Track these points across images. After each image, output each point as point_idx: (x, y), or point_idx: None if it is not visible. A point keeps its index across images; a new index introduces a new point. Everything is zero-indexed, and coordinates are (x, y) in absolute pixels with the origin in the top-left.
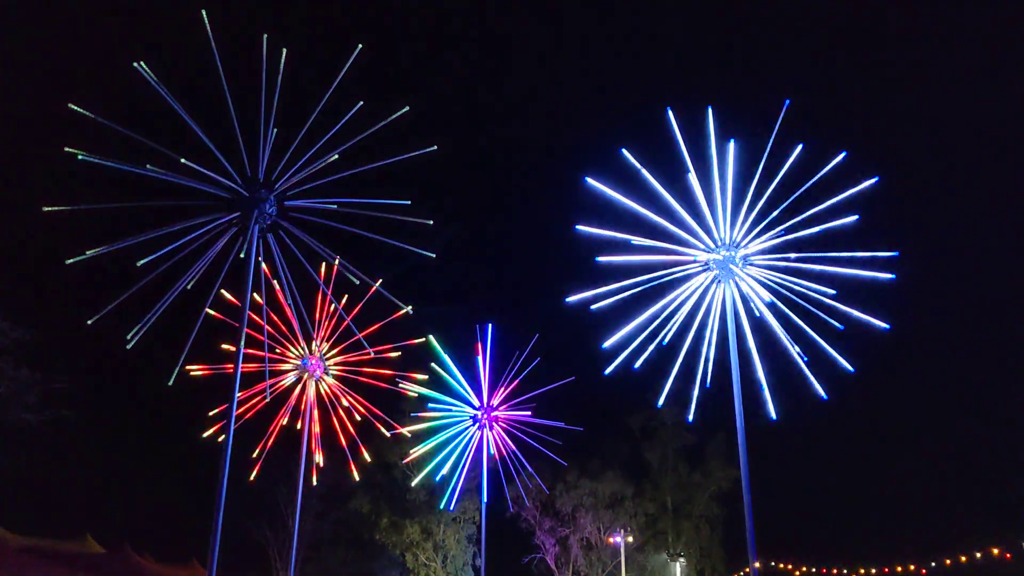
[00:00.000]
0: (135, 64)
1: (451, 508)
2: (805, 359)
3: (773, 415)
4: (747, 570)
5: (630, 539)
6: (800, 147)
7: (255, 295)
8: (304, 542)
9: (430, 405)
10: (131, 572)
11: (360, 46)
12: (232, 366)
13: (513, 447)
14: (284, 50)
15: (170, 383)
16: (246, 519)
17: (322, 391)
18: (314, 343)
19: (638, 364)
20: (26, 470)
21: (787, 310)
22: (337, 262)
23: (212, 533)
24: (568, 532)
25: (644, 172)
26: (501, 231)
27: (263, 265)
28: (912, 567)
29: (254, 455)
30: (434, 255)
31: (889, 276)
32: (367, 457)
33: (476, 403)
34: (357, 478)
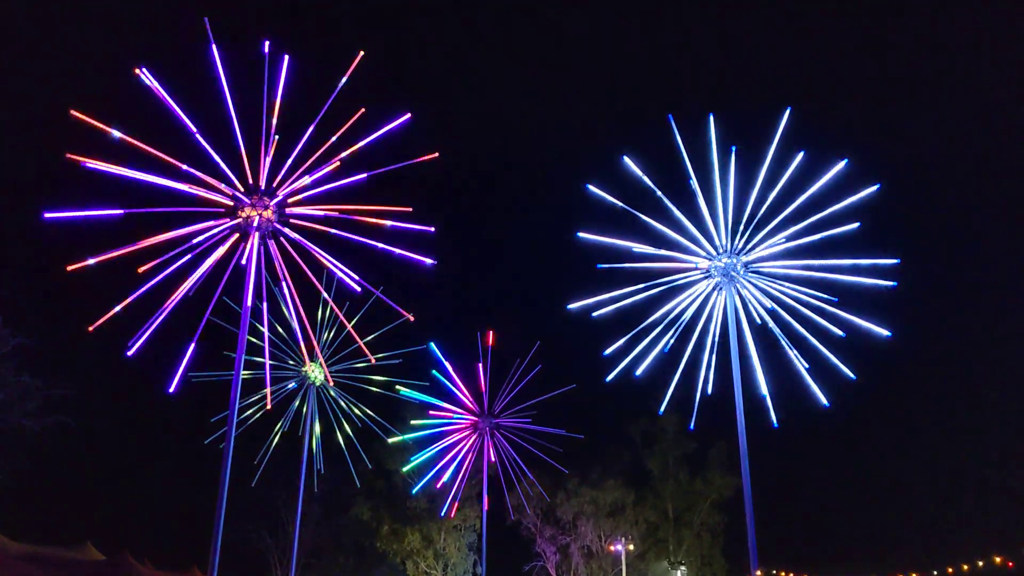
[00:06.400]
0: (137, 71)
1: (452, 516)
2: (806, 366)
3: (775, 422)
4: None
5: (631, 547)
6: (801, 154)
7: (256, 302)
8: (304, 549)
9: (431, 412)
10: None
11: (361, 52)
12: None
13: (514, 454)
14: (286, 57)
15: (171, 390)
16: (247, 526)
17: (322, 397)
18: (315, 350)
19: (639, 371)
20: (27, 477)
21: (788, 317)
22: (338, 269)
23: (213, 540)
24: (569, 540)
25: (646, 179)
26: (502, 238)
27: (264, 272)
28: (914, 575)
29: (255, 462)
30: (435, 262)
31: (890, 283)
32: (368, 464)
33: (477, 410)
34: (358, 485)
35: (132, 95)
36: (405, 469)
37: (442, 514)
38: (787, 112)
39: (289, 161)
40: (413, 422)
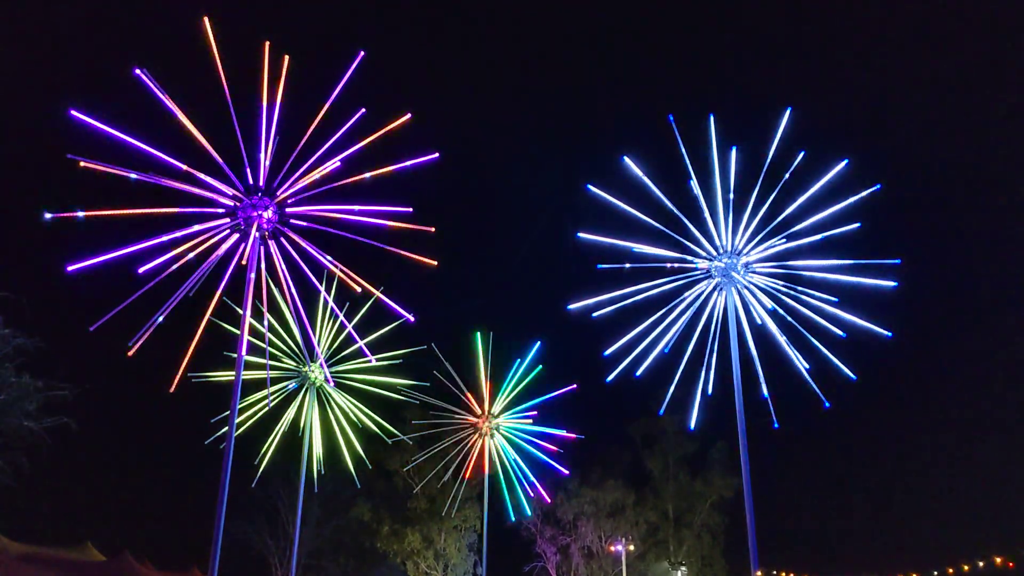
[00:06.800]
0: (136, 71)
1: (452, 516)
2: (807, 367)
3: (775, 423)
4: None
5: (631, 548)
6: (802, 154)
7: (256, 302)
8: (305, 550)
9: (431, 412)
10: None
11: (362, 52)
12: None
13: (514, 455)
14: (286, 57)
15: (172, 390)
16: (247, 526)
17: (323, 398)
18: (315, 350)
19: (639, 372)
20: (27, 477)
21: (789, 318)
22: (338, 270)
23: (213, 540)
24: (569, 540)
25: (646, 179)
26: (503, 238)
27: (264, 273)
28: (914, 575)
29: (255, 462)
30: (436, 263)
31: (891, 284)
32: (368, 464)
33: (477, 411)
34: (358, 485)
35: (132, 95)
36: (405, 469)
37: (443, 514)
38: (787, 112)
39: (289, 161)
40: (414, 422)
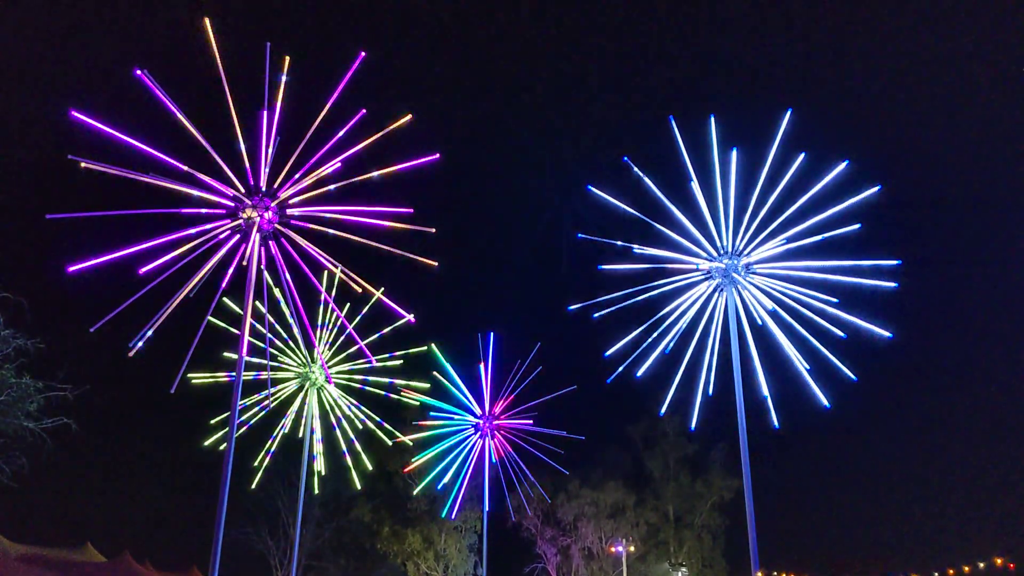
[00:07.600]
0: (137, 72)
1: (452, 517)
2: (807, 367)
3: (776, 424)
4: None
5: (631, 548)
6: (802, 156)
7: (257, 303)
8: (305, 551)
9: (432, 414)
10: None
11: (363, 53)
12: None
13: (515, 456)
14: (287, 58)
15: (172, 391)
16: (247, 527)
17: (323, 399)
18: (315, 351)
19: (640, 373)
20: (27, 478)
21: (789, 318)
22: (339, 271)
23: (213, 541)
24: (570, 541)
25: (647, 180)
26: (503, 239)
27: (265, 273)
28: (914, 575)
29: (255, 463)
30: (436, 264)
31: (891, 284)
32: (369, 466)
33: (478, 412)
34: (359, 487)
35: (133, 96)
36: (406, 471)
37: (444, 515)
38: (788, 113)
39: (290, 162)
40: (414, 423)
